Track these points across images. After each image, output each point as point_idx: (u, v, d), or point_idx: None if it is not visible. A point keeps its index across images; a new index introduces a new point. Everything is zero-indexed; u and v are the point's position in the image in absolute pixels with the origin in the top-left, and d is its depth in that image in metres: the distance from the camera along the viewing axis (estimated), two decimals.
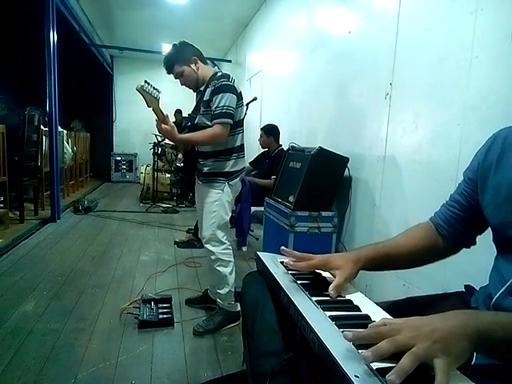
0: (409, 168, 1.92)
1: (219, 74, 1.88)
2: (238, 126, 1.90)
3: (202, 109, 1.88)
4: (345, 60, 2.65)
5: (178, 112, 6.67)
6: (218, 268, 1.91)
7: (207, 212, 1.91)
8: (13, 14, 6.53)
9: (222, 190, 1.89)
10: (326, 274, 0.88)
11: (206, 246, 1.94)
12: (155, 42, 7.07)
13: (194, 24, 5.78)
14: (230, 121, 1.79)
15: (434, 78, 1.74)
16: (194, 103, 2.04)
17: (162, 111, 1.73)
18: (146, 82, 1.60)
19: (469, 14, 1.53)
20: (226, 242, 1.95)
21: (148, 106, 1.67)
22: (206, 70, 1.95)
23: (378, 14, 2.26)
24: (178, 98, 7.43)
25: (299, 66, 3.61)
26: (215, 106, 1.78)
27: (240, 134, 1.94)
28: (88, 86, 8.44)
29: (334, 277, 0.79)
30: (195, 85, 1.97)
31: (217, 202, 1.88)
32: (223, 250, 1.92)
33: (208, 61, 2.07)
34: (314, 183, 2.36)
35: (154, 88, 1.64)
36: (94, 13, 5.81)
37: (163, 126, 1.73)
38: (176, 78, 1.98)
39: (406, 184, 1.95)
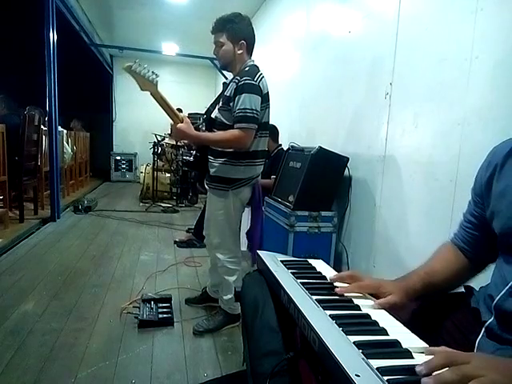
0: (409, 168, 1.92)
1: (246, 68, 1.72)
2: (258, 129, 1.71)
3: (221, 103, 1.76)
4: (345, 60, 2.65)
5: (178, 111, 6.66)
6: (223, 275, 1.89)
7: (214, 220, 1.85)
8: (13, 14, 6.52)
9: (226, 198, 1.77)
10: (325, 274, 0.88)
11: (215, 252, 1.90)
12: (155, 42, 7.07)
13: (193, 24, 5.76)
14: (253, 125, 1.64)
15: (434, 78, 1.74)
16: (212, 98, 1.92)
17: (165, 100, 1.62)
18: (135, 61, 1.49)
19: (469, 13, 1.52)
20: (235, 249, 1.89)
21: (142, 89, 1.55)
22: (243, 62, 1.77)
23: (378, 13, 2.25)
24: (178, 97, 7.43)
25: (299, 65, 3.61)
26: (237, 107, 1.63)
27: (259, 139, 1.76)
28: (88, 85, 8.44)
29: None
30: (225, 66, 1.81)
31: (222, 211, 1.80)
32: (230, 258, 1.87)
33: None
34: (314, 183, 2.36)
35: (148, 70, 1.52)
36: (94, 12, 5.81)
37: (179, 125, 1.63)
38: (214, 44, 1.80)
39: (405, 184, 1.94)
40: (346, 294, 0.77)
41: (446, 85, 1.66)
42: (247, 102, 1.62)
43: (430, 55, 1.78)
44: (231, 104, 1.68)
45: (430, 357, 0.49)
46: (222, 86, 1.89)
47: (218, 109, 1.78)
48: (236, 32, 1.74)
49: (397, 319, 0.67)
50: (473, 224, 0.85)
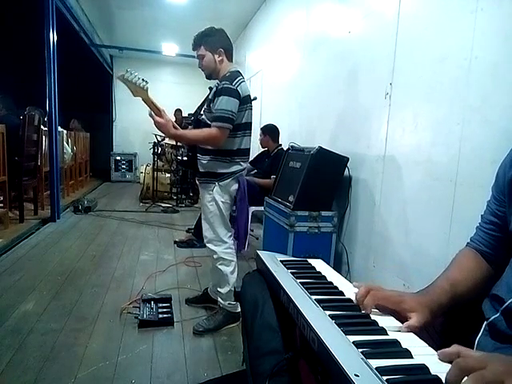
0: (409, 168, 1.92)
1: (227, 74, 1.85)
2: (239, 129, 1.86)
3: (205, 106, 1.90)
4: (345, 60, 2.65)
5: (178, 111, 6.69)
6: (219, 266, 1.92)
7: (205, 212, 1.94)
8: (12, 14, 6.53)
9: (213, 190, 1.89)
10: (325, 273, 0.88)
11: (207, 245, 1.95)
12: (155, 42, 7.07)
13: (193, 24, 5.73)
14: (227, 125, 1.76)
15: (434, 78, 1.74)
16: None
17: (155, 103, 1.70)
18: (127, 70, 1.58)
19: (469, 13, 1.52)
20: (228, 241, 1.95)
21: (134, 96, 1.65)
22: (226, 67, 1.91)
23: (378, 13, 2.25)
24: (177, 98, 7.45)
25: (299, 66, 3.61)
26: (215, 108, 1.77)
27: (242, 138, 1.90)
28: (88, 85, 8.45)
29: (403, 319, 0.68)
30: (210, 74, 1.95)
31: (211, 203, 1.90)
32: (225, 249, 1.94)
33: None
34: (314, 183, 2.36)
35: (139, 78, 1.61)
36: (94, 12, 5.81)
37: (157, 118, 1.70)
38: (197, 58, 1.96)
39: (405, 184, 1.94)
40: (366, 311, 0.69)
41: (446, 84, 1.66)
42: (224, 103, 1.75)
43: (429, 55, 1.78)
44: (211, 106, 1.82)
45: (447, 365, 0.47)
46: (209, 89, 2.01)
47: (204, 110, 1.91)
48: (213, 42, 1.88)
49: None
50: (496, 225, 0.80)
